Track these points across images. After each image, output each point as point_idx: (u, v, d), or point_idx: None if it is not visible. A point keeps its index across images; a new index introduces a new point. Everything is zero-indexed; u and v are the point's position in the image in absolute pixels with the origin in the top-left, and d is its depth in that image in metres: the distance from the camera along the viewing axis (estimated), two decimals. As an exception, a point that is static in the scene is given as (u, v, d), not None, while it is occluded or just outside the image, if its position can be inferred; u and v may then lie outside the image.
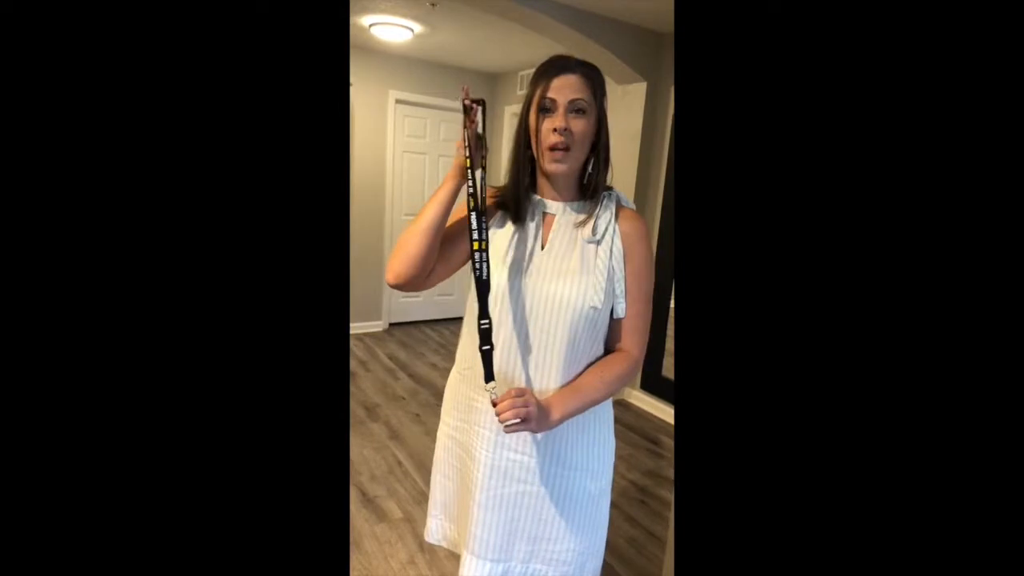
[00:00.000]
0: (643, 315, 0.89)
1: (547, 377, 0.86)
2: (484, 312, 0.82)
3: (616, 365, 0.88)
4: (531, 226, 0.89)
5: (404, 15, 2.81)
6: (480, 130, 0.83)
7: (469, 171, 0.81)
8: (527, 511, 0.91)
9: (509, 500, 0.91)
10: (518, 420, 0.76)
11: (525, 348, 0.86)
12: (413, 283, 0.86)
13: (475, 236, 0.81)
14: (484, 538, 0.92)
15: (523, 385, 0.87)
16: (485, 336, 0.82)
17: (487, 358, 0.81)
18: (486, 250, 0.82)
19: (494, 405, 0.78)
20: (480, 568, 0.93)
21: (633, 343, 0.89)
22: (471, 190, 0.81)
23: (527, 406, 0.77)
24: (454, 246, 0.90)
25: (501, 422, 0.77)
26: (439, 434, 1.02)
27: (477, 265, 0.82)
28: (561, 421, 0.82)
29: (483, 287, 0.82)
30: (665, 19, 2.52)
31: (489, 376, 0.81)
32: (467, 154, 0.81)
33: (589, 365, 0.89)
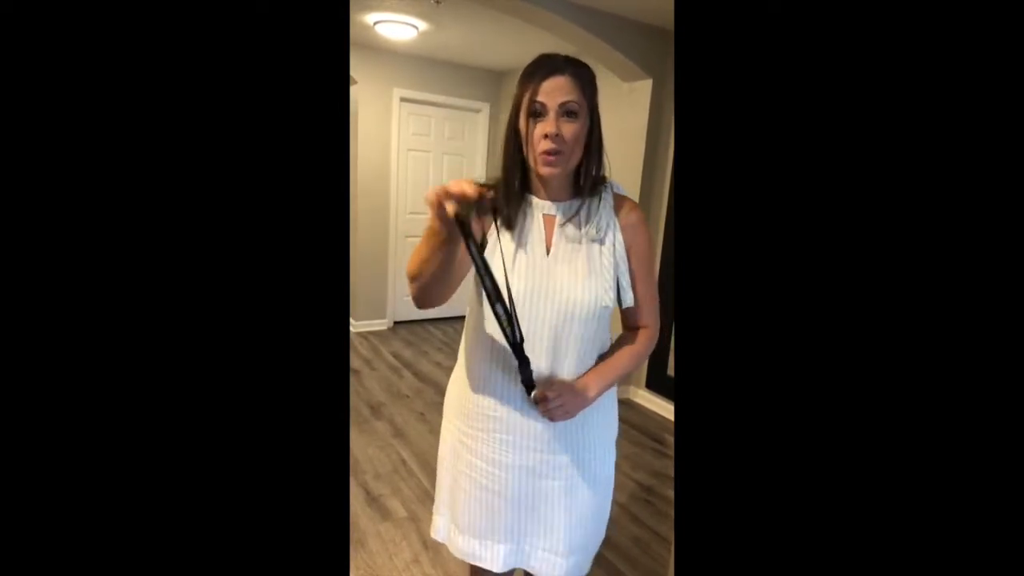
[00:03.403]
0: (653, 293, 0.95)
1: (560, 373, 0.89)
2: (524, 364, 0.82)
3: (640, 340, 0.94)
4: (533, 230, 0.88)
5: (408, 12, 2.81)
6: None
7: (480, 270, 0.74)
8: (555, 505, 0.93)
9: (537, 495, 0.93)
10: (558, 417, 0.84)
11: (538, 351, 0.86)
12: (439, 304, 0.88)
13: (504, 323, 0.77)
14: (510, 527, 0.95)
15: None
16: (526, 374, 0.83)
17: (528, 379, 0.84)
18: (515, 313, 0.79)
19: (536, 404, 0.85)
20: (518, 552, 0.96)
21: (650, 319, 0.95)
22: (485, 283, 0.75)
23: (561, 405, 0.83)
24: (464, 262, 0.89)
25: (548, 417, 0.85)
26: (444, 434, 1.02)
27: (509, 335, 0.78)
28: (597, 397, 0.89)
29: (519, 349, 0.80)
30: (671, 16, 2.51)
31: (530, 387, 0.85)
32: (475, 254, 0.71)
33: (600, 358, 0.92)
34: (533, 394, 0.83)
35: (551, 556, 0.94)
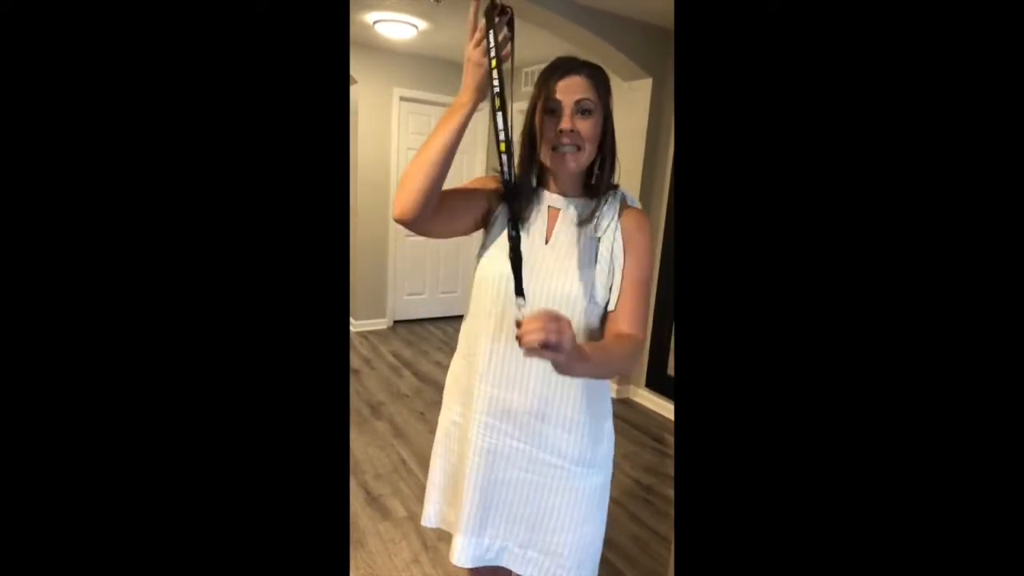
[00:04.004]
0: (643, 299, 0.89)
1: (549, 369, 0.86)
2: (514, 224, 0.79)
3: (629, 341, 0.86)
4: (535, 220, 0.90)
5: (408, 12, 2.80)
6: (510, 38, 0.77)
7: (495, 71, 0.74)
8: (527, 497, 0.92)
9: (509, 485, 0.92)
10: (543, 343, 0.64)
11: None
12: (418, 221, 0.80)
13: (501, 137, 0.76)
14: (481, 517, 0.93)
15: (526, 378, 0.88)
16: (515, 246, 0.78)
17: (517, 269, 0.77)
18: (512, 153, 0.78)
19: (518, 326, 0.68)
20: (478, 546, 0.94)
21: (637, 326, 0.87)
22: (496, 90, 0.75)
23: (561, 333, 0.65)
24: (463, 208, 0.88)
25: (521, 342, 0.66)
26: (441, 419, 1.02)
27: (505, 168, 0.78)
28: (589, 371, 0.76)
29: (513, 191, 0.80)
30: (671, 15, 2.50)
31: (520, 290, 0.75)
32: (492, 55, 0.74)
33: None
34: (521, 307, 0.73)
35: (513, 548, 0.94)
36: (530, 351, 0.66)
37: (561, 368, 0.70)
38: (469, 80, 0.77)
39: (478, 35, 0.75)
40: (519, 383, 0.89)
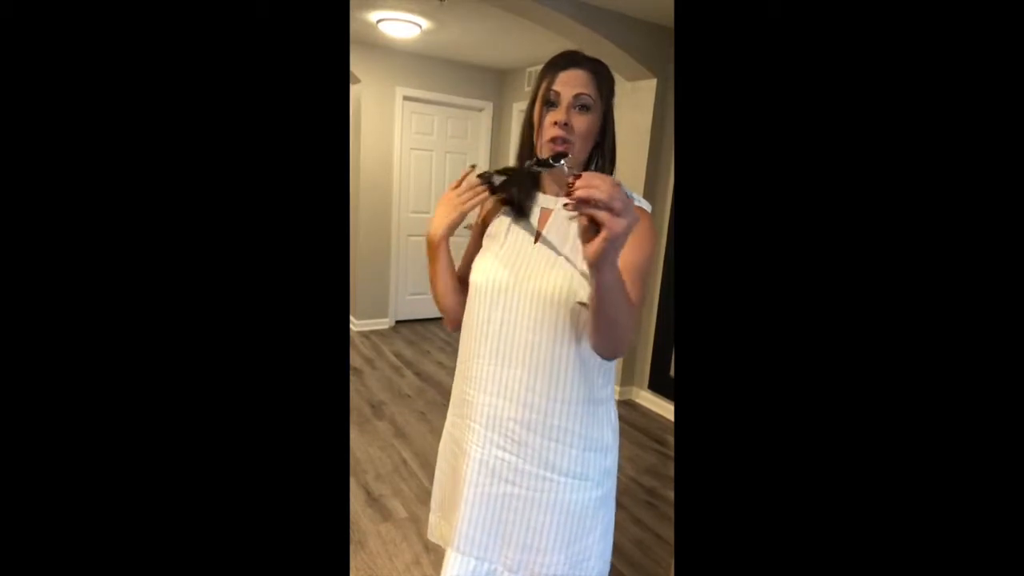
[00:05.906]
0: (628, 281, 0.79)
1: (536, 371, 0.84)
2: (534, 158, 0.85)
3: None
4: (529, 220, 0.89)
5: (412, 11, 2.80)
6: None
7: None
8: (516, 514, 0.88)
9: (497, 500, 0.88)
10: (591, 204, 0.57)
11: (516, 342, 0.84)
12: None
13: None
14: (470, 535, 0.90)
15: (512, 382, 0.85)
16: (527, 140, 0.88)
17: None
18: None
19: (576, 178, 0.60)
20: (464, 565, 0.90)
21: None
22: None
23: (624, 213, 0.56)
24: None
25: (569, 193, 0.59)
26: (443, 430, 1.01)
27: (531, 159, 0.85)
28: (612, 280, 0.66)
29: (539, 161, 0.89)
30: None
31: (557, 157, 0.78)
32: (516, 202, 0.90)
33: (587, 379, 0.85)
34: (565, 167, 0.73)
35: (503, 572, 0.90)
36: (578, 207, 0.58)
37: (604, 245, 0.59)
38: (443, 218, 0.87)
39: (469, 194, 0.87)
40: (506, 390, 0.85)
